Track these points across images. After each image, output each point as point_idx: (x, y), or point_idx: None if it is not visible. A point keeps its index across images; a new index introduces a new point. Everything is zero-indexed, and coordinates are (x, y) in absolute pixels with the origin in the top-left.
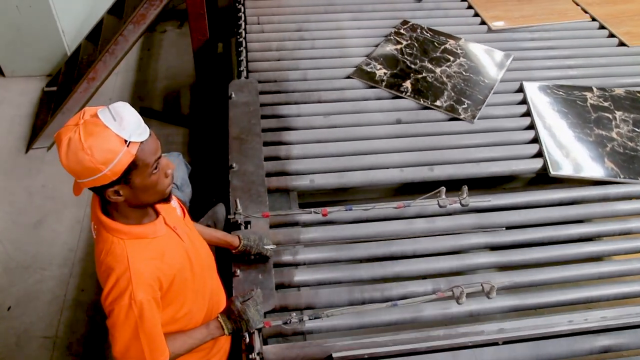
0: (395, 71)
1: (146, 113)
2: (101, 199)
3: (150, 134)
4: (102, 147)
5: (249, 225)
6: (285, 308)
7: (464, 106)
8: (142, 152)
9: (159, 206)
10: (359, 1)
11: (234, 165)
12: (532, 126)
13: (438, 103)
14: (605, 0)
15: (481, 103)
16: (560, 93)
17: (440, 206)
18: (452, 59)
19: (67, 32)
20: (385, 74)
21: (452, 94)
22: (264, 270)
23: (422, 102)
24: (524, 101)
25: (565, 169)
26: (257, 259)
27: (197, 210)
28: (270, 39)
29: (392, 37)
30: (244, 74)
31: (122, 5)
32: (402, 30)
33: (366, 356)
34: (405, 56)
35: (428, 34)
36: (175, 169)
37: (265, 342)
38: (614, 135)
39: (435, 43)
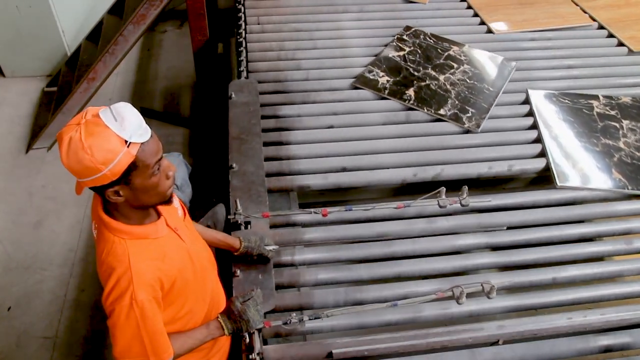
0: (398, 79)
1: (146, 113)
2: (102, 198)
3: (151, 135)
4: (102, 147)
5: (249, 226)
6: (285, 308)
7: (468, 115)
8: (143, 153)
9: (160, 207)
10: (360, 1)
11: (234, 165)
12: (539, 139)
13: (442, 112)
14: (608, 4)
15: (485, 112)
16: (566, 101)
17: (440, 206)
18: (455, 65)
19: (67, 32)
20: (388, 81)
21: (456, 102)
22: (264, 271)
23: (425, 110)
24: (530, 112)
25: (572, 181)
26: (258, 260)
27: (197, 210)
28: (270, 39)
29: (394, 43)
30: (244, 74)
31: (122, 5)
32: (405, 37)
33: (366, 353)
34: (409, 63)
35: (431, 40)
36: (175, 170)
37: (265, 342)
38: (621, 145)
39: (439, 49)
